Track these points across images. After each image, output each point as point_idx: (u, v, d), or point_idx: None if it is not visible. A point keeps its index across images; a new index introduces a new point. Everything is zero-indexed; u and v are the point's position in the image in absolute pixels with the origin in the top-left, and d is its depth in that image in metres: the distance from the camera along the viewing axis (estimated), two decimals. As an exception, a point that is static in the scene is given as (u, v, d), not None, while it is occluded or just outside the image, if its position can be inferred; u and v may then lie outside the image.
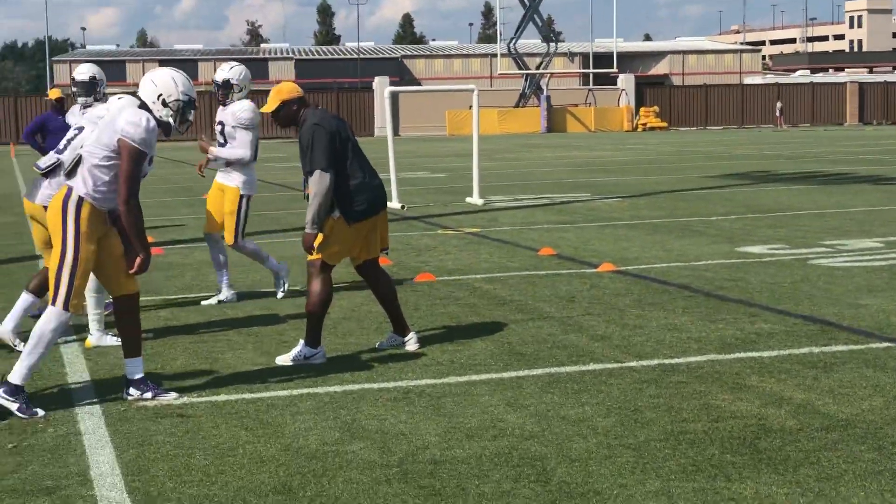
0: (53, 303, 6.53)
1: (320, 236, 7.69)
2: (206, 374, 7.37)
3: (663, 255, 12.57)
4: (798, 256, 12.17)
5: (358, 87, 73.61)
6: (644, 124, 69.47)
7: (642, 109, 70.67)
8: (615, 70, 72.79)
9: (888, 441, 5.61)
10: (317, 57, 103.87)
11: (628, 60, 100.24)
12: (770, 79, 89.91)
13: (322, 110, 7.88)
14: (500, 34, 73.53)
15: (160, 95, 6.81)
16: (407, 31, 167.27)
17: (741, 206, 18.13)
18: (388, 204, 18.15)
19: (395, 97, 60.98)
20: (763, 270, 11.22)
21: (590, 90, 73.40)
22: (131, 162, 6.57)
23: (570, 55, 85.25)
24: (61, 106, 14.37)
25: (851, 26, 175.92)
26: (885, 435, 5.72)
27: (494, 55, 78.76)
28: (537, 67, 72.47)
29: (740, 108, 74.25)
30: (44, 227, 8.20)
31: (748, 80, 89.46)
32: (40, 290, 8.24)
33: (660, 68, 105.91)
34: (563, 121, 68.52)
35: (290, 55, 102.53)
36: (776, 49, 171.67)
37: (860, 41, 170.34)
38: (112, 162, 6.62)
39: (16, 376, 6.50)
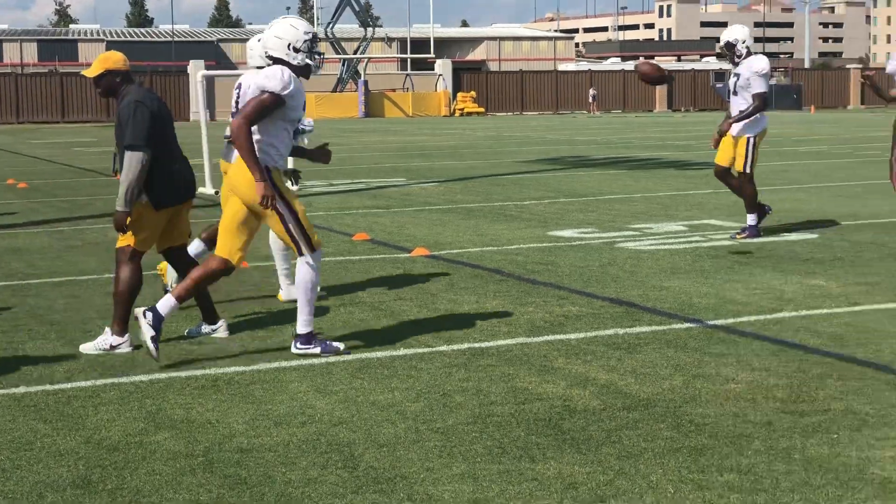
0: (301, 253, 7.22)
1: (131, 223, 7.51)
2: (3, 365, 7.12)
3: (476, 239, 12.69)
4: (606, 240, 12.43)
5: (173, 71, 72.22)
6: (461, 109, 70.03)
7: (459, 95, 71.22)
8: (432, 55, 73.16)
9: (686, 419, 5.78)
10: (130, 39, 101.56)
11: (446, 46, 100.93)
12: (583, 66, 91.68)
13: (146, 89, 7.70)
14: (318, 18, 73.06)
15: (289, 44, 7.19)
16: (223, 15, 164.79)
17: (554, 191, 18.44)
18: (202, 189, 17.94)
19: (210, 81, 60.08)
20: (573, 254, 11.44)
21: (407, 75, 73.64)
22: (260, 104, 7.01)
23: (388, 40, 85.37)
24: None
25: (661, 15, 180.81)
26: (684, 413, 5.88)
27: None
28: (355, 52, 72.37)
29: (555, 94, 75.47)
30: None
31: (562, 67, 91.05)
32: (210, 242, 8.94)
33: (477, 54, 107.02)
34: (381, 106, 68.58)
35: (102, 37, 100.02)
36: (589, 37, 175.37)
37: (669, 30, 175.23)
38: (265, 124, 7.12)
39: (301, 327, 7.26)
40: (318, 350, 7.27)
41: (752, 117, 12.01)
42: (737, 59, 12.11)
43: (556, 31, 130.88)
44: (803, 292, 9.16)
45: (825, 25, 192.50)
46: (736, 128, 12.09)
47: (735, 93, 12.10)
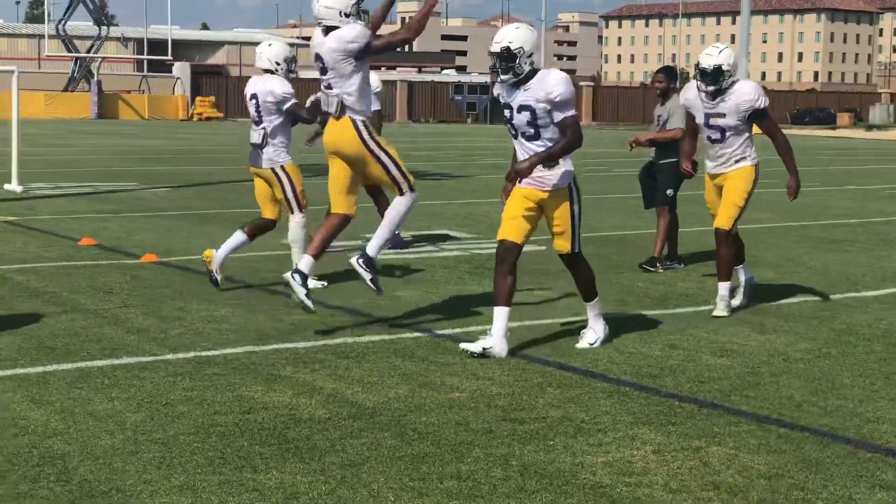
0: (402, 192, 8.25)
1: None
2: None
3: (210, 245, 12.45)
4: (339, 249, 12.43)
5: None
6: (199, 114, 68.93)
7: (198, 98, 70.06)
8: (170, 58, 71.73)
9: (410, 427, 5.83)
10: None
11: (184, 48, 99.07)
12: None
13: None
14: (49, 14, 70.60)
15: (340, 11, 8.04)
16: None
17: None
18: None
19: None
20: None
21: (144, 77, 71.95)
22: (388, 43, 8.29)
23: (124, 40, 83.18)
24: None
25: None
26: (408, 422, 5.94)
27: (42, 36, 75.42)
28: (88, 51, 70.17)
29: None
30: (267, 184, 9.79)
31: (304, 74, 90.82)
32: (252, 234, 9.88)
33: (217, 58, 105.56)
34: (116, 107, 66.71)
35: None
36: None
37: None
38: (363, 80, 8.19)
39: (372, 248, 8.12)
40: (369, 276, 8.10)
41: None
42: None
43: (298, 37, 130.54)
44: (529, 301, 9.39)
45: (560, 43, 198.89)
46: None
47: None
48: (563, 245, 7.68)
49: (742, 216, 9.18)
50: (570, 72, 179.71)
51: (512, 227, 7.55)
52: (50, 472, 5.07)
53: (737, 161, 9.16)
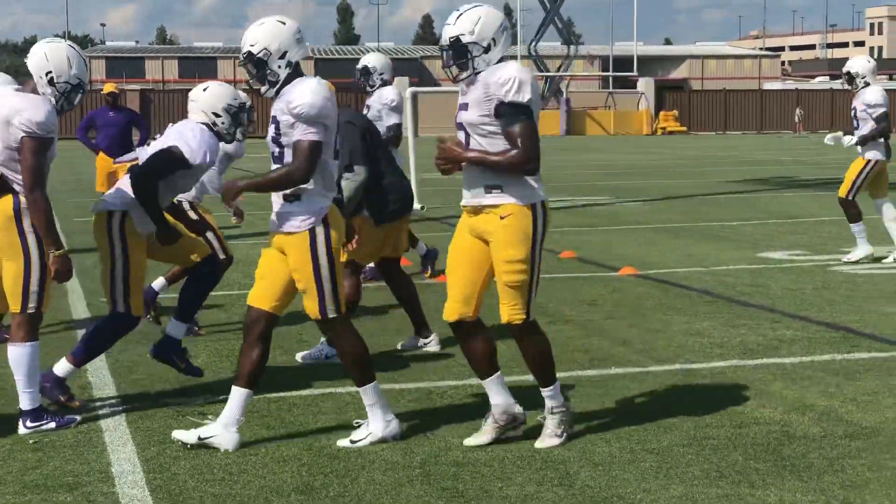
0: None
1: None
2: (228, 373, 7.36)
3: (685, 259, 12.53)
4: (819, 263, 12.12)
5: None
6: (663, 128, 69.35)
7: (661, 113, 70.54)
8: (635, 73, 72.65)
9: (913, 450, 5.58)
10: (337, 56, 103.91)
11: (648, 64, 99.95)
12: (789, 84, 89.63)
13: (354, 109, 7.93)
14: (521, 36, 73.43)
15: None
16: (427, 32, 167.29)
17: (762, 212, 18.08)
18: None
19: (415, 98, 61.05)
20: (784, 276, 11.18)
21: (609, 93, 73.33)
22: None
23: (590, 58, 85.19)
24: (114, 101, 14.50)
25: (872, 33, 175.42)
26: (910, 444, 5.69)
27: (515, 57, 78.64)
28: (557, 70, 72.44)
29: (759, 113, 74.07)
30: None
31: (767, 86, 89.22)
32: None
33: (679, 72, 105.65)
34: (583, 124, 68.46)
35: (311, 55, 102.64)
36: (795, 55, 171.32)
37: (881, 48, 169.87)
38: None
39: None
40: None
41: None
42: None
43: (761, 48, 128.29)
44: None
45: None
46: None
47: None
48: (310, 308, 5.77)
49: None
50: None
51: (259, 288, 5.84)
52: (553, 476, 5.27)
53: None
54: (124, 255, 6.47)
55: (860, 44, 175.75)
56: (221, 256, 8.24)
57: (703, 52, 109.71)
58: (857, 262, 11.99)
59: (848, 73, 11.98)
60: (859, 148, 12.07)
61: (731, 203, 19.94)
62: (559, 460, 5.50)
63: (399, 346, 8.11)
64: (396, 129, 10.32)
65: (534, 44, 71.85)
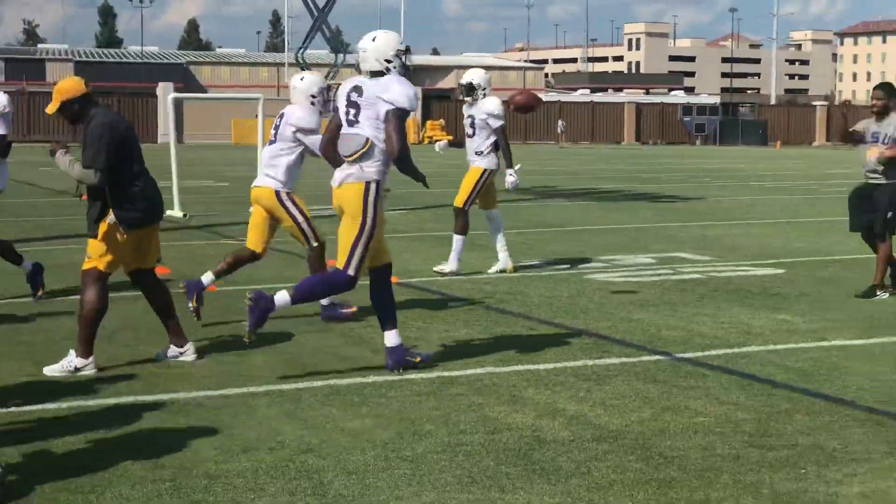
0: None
1: (94, 243, 7.49)
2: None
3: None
4: (575, 272, 12.47)
5: (141, 93, 71.97)
6: (430, 137, 70.13)
7: (428, 122, 71.35)
8: (402, 83, 73.18)
9: (655, 451, 5.79)
10: (98, 59, 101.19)
11: (415, 73, 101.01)
12: (552, 97, 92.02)
13: (114, 112, 7.72)
14: (289, 43, 73.20)
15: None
16: (192, 37, 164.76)
17: (523, 221, 18.48)
18: (170, 212, 17.84)
19: (179, 104, 59.89)
20: (542, 284, 11.46)
21: (376, 102, 73.60)
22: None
23: (358, 66, 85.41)
24: None
25: (630, 48, 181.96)
26: (653, 445, 5.90)
27: (282, 64, 78.29)
28: (325, 77, 72.37)
29: (523, 124, 75.75)
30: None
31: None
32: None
33: (446, 82, 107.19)
34: (353, 132, 68.43)
35: (70, 56, 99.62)
36: (559, 68, 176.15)
37: (638, 63, 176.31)
38: None
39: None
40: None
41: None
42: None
43: (525, 61, 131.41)
44: (771, 327, 9.20)
45: (791, 62, 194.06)
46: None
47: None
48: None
49: None
50: (802, 91, 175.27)
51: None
52: (306, 486, 5.24)
53: None
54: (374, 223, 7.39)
55: (619, 58, 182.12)
56: (314, 244, 9.29)
57: (470, 63, 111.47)
58: (448, 275, 11.93)
59: (469, 84, 12.09)
60: (475, 158, 12.22)
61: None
62: (313, 469, 5.48)
63: (154, 356, 7.93)
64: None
65: (302, 51, 71.64)
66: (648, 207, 21.81)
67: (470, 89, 12.16)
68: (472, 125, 12.21)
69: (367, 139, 7.48)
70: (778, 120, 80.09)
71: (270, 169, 9.30)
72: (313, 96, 9.46)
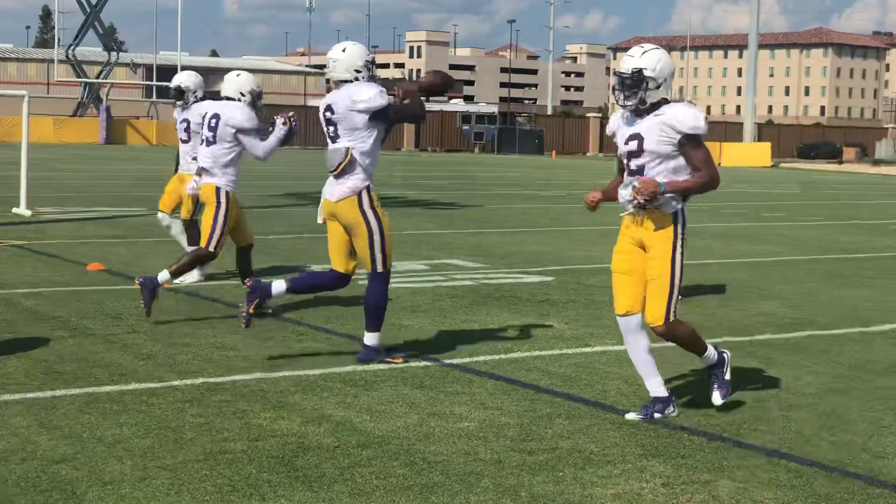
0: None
1: None
2: None
3: (215, 272, 12.47)
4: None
5: None
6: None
7: (207, 125, 70.24)
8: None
9: (419, 457, 5.81)
10: None
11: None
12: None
13: None
14: (59, 40, 70.88)
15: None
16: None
17: (298, 226, 18.37)
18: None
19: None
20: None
21: (152, 103, 72.23)
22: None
23: (133, 66, 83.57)
24: None
25: (412, 56, 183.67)
26: (417, 451, 5.92)
27: (52, 61, 75.83)
28: (97, 76, 70.53)
29: (303, 128, 75.42)
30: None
31: (312, 102, 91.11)
32: None
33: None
34: (124, 132, 66.92)
35: None
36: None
37: (419, 70, 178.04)
38: None
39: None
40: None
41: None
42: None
43: (307, 65, 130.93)
44: (537, 333, 9.39)
45: (567, 74, 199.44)
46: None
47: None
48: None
49: None
50: (577, 103, 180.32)
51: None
52: (58, 498, 5.06)
53: None
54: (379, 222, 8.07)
55: (401, 65, 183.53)
56: (210, 249, 9.85)
57: (251, 66, 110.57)
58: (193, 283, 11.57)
59: (178, 88, 11.69)
60: (192, 165, 11.57)
61: (272, 217, 20.12)
62: (66, 480, 5.28)
63: None
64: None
65: (73, 48, 69.56)
66: (423, 214, 22.00)
67: (179, 93, 11.75)
68: (187, 130, 11.75)
69: (347, 150, 7.95)
70: (554, 130, 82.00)
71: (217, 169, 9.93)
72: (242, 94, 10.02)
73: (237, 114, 9.82)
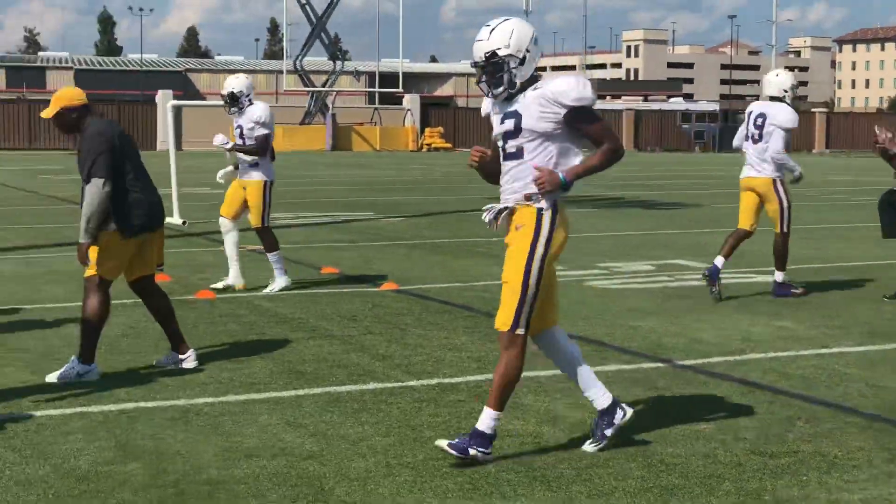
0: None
1: (95, 250, 7.48)
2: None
3: (444, 275, 12.69)
4: (575, 278, 12.47)
5: (140, 100, 72.10)
6: (429, 145, 70.17)
7: (427, 130, 71.35)
8: (401, 90, 73.33)
9: (657, 459, 5.79)
10: (98, 67, 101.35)
11: (414, 81, 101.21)
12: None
13: (107, 120, 7.69)
14: (287, 51, 73.25)
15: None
16: (191, 45, 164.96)
17: (521, 228, 18.44)
18: (169, 220, 17.87)
19: (178, 111, 59.90)
20: (541, 291, 11.43)
21: (375, 109, 73.75)
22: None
23: (357, 74, 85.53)
24: None
25: (629, 55, 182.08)
26: (654, 453, 5.90)
27: (280, 71, 78.33)
28: (323, 85, 72.47)
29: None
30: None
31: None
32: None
33: (445, 90, 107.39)
34: (349, 139, 68.61)
35: (70, 64, 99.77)
36: (557, 75, 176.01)
37: (636, 70, 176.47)
38: None
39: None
40: None
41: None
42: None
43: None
44: (771, 334, 9.21)
45: (791, 69, 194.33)
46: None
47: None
48: None
49: None
50: (802, 98, 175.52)
51: None
52: (307, 493, 5.25)
53: None
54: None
55: (618, 65, 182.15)
56: None
57: (469, 71, 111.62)
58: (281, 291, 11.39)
59: (231, 94, 11.41)
60: (251, 171, 11.47)
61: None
62: (315, 476, 5.48)
63: (154, 363, 7.94)
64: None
65: (300, 59, 71.69)
66: (645, 215, 21.82)
67: (233, 99, 11.52)
68: (242, 136, 11.56)
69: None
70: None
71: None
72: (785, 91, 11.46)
73: (782, 113, 11.20)
